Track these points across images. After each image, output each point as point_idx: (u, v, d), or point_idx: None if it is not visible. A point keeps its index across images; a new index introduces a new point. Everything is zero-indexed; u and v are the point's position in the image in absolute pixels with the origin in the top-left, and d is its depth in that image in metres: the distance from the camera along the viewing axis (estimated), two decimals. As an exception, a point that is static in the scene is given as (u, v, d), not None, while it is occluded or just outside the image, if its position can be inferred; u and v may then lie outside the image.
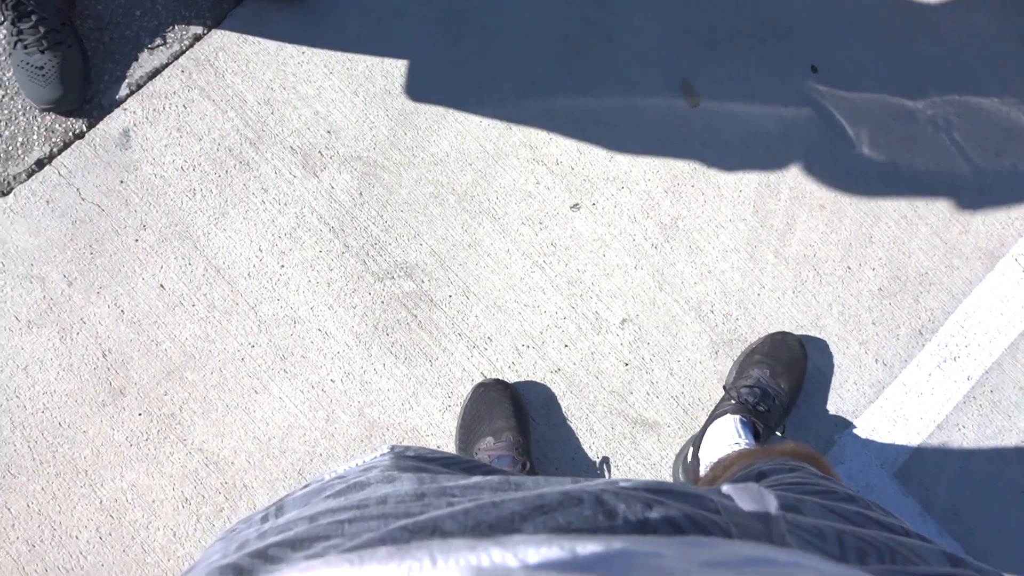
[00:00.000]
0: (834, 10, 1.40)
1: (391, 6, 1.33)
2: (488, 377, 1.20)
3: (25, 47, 1.20)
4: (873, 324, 1.27)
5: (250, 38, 1.30)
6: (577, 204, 1.29)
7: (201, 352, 1.20)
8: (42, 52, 1.20)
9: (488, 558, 0.24)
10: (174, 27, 1.30)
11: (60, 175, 1.24)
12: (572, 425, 1.20)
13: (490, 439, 1.11)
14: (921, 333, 1.27)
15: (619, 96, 1.33)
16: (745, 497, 0.37)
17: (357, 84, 1.30)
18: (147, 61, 1.29)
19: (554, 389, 1.22)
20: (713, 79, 1.35)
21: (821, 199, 1.32)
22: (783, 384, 1.17)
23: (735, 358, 1.24)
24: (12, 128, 1.26)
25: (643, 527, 0.32)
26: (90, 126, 1.27)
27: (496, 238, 1.27)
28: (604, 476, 1.21)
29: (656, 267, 1.28)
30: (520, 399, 1.18)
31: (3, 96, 1.27)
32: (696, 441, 1.14)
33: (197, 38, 1.30)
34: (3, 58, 1.27)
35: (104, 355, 1.19)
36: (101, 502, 1.15)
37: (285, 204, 1.25)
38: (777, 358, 1.19)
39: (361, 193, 1.27)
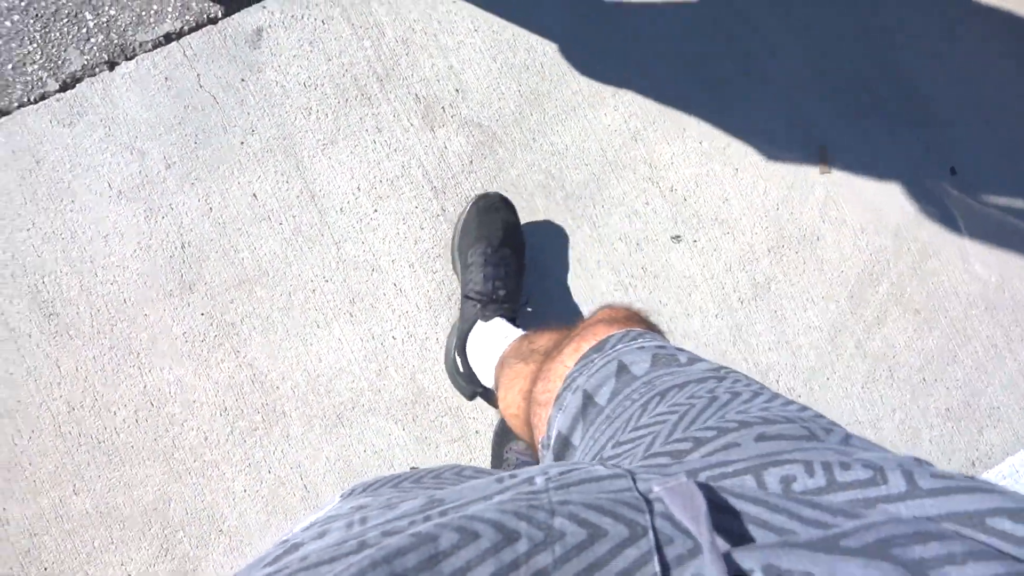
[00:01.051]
0: (979, 106, 1.33)
1: (556, -21, 1.27)
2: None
3: None
4: (930, 442, 1.25)
5: (407, -30, 1.25)
6: (679, 236, 1.26)
7: (275, 271, 1.20)
8: None
9: None
10: (334, -64, 1.25)
11: (184, 55, 1.21)
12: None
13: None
14: (974, 464, 1.25)
15: (752, 139, 1.28)
16: (676, 501, 0.34)
17: (498, 50, 1.26)
18: (299, -36, 1.25)
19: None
20: (847, 148, 1.30)
21: (918, 304, 1.29)
22: (508, 252, 1.15)
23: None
24: (150, -7, 1.23)
25: (544, 542, 0.31)
26: (226, 14, 1.23)
27: (590, 245, 1.25)
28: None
29: (737, 322, 1.26)
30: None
31: (149, -43, 1.23)
32: (457, 348, 1.13)
33: (354, -46, 1.25)
34: (159, -81, 1.23)
35: (183, 247, 1.19)
36: (145, 387, 1.17)
37: (394, 150, 1.23)
38: (491, 227, 1.15)
39: (472, 161, 1.24)
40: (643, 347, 0.62)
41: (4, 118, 1.19)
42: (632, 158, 1.26)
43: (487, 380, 1.08)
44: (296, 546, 0.38)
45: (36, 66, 1.21)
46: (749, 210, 1.28)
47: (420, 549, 0.30)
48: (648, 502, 0.34)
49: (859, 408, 1.26)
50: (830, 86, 1.31)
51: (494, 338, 1.07)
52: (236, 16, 1.23)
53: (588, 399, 0.60)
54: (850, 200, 1.29)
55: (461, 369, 1.14)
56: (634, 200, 1.26)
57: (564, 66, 1.26)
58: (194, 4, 1.23)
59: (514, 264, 1.17)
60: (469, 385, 1.14)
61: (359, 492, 0.47)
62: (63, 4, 1.21)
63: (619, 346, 0.63)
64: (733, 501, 0.34)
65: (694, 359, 0.57)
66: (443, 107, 1.24)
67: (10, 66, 1.20)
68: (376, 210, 1.22)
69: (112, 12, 1.22)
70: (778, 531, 0.32)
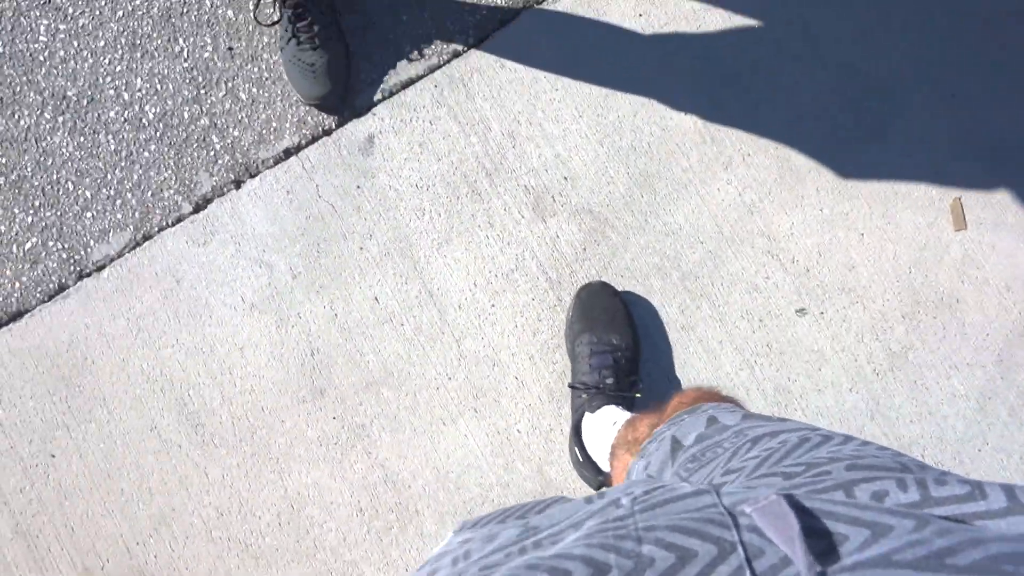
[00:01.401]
0: None
1: (657, 58, 1.26)
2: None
3: (299, 43, 1.22)
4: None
5: (507, 63, 1.27)
6: (804, 309, 1.21)
7: (400, 372, 1.23)
8: (314, 49, 1.22)
9: None
10: (436, 39, 1.29)
11: (304, 168, 1.27)
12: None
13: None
14: None
15: (878, 203, 1.22)
16: (767, 521, 0.32)
17: (604, 134, 1.25)
18: (404, 69, 1.29)
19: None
20: (987, 204, 1.22)
21: (1078, 363, 1.19)
22: (615, 339, 1.12)
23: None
24: (268, 112, 1.30)
25: (634, 571, 0.30)
26: (339, 125, 1.28)
27: (712, 325, 1.21)
28: None
29: (873, 395, 1.19)
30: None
31: (266, 79, 1.30)
32: (575, 440, 1.14)
33: (456, 54, 1.28)
34: (275, 51, 1.30)
35: (312, 353, 1.24)
36: (286, 491, 1.21)
37: (508, 243, 1.24)
38: (593, 316, 1.14)
39: (585, 248, 1.24)
40: (734, 410, 0.63)
41: (147, 242, 1.28)
42: (749, 231, 1.23)
43: (608, 468, 1.07)
44: None
45: (172, 191, 1.29)
46: (879, 276, 1.21)
47: None
48: (733, 516, 0.33)
49: (1018, 478, 1.17)
50: (965, 137, 1.23)
51: (603, 427, 1.06)
52: (349, 126, 1.28)
53: (676, 444, 0.60)
54: (991, 257, 1.21)
55: (580, 459, 1.13)
56: (754, 275, 1.22)
57: (672, 144, 1.25)
58: (309, 118, 1.29)
59: (623, 351, 1.15)
60: (593, 475, 1.13)
61: (468, 527, 0.47)
62: (192, 131, 1.30)
63: (709, 409, 0.64)
64: (821, 507, 0.33)
65: (787, 419, 0.57)
66: (553, 196, 1.25)
67: (150, 193, 1.29)
68: (493, 304, 1.23)
69: (236, 133, 1.29)
70: (870, 526, 0.31)
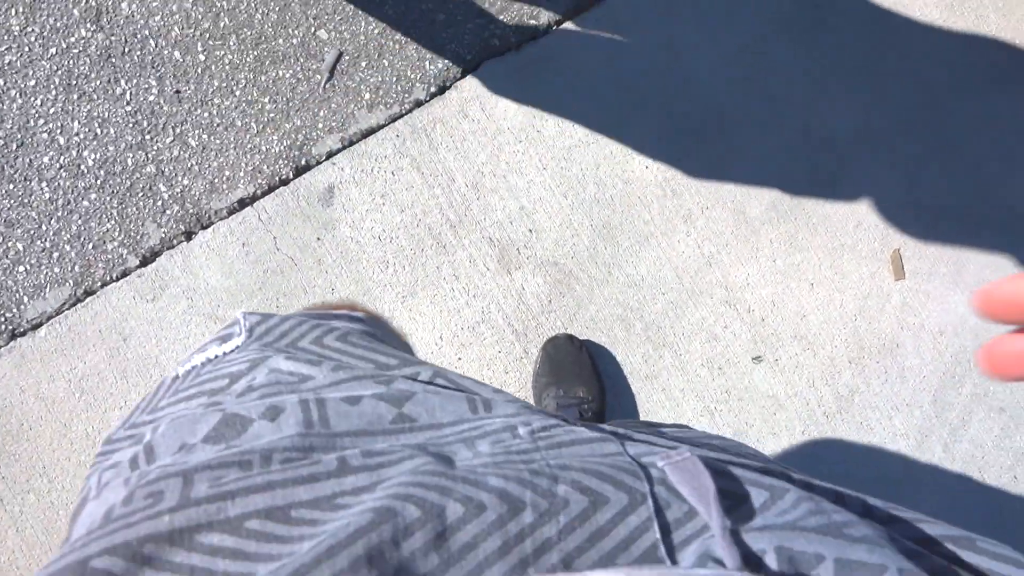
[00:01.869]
0: (1062, 205, 1.34)
1: (621, 112, 1.28)
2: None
3: None
4: (1029, 546, 1.25)
5: (470, 113, 1.26)
6: (760, 356, 1.26)
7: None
8: None
9: None
10: (397, 87, 1.27)
11: (260, 219, 1.23)
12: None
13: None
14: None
15: (827, 254, 1.29)
16: (683, 478, 0.34)
17: (568, 186, 1.26)
18: (364, 118, 1.26)
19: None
20: (923, 255, 1.30)
21: (1002, 402, 1.29)
22: (581, 391, 1.17)
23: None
24: (220, 160, 1.24)
25: (549, 511, 0.31)
26: (297, 174, 1.24)
27: (674, 374, 1.25)
28: None
29: (824, 437, 1.26)
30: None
31: (217, 124, 1.24)
32: None
33: (418, 104, 1.26)
34: (227, 95, 1.24)
35: (274, 412, 1.19)
36: None
37: (473, 296, 1.24)
38: (559, 369, 1.17)
39: (551, 300, 1.24)
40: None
41: (90, 298, 1.20)
42: (708, 283, 1.27)
43: None
44: (242, 419, 0.34)
45: (116, 243, 1.22)
46: (827, 323, 1.28)
47: (427, 527, 0.29)
48: (643, 468, 0.34)
49: (953, 515, 1.26)
50: (913, 198, 1.31)
51: None
52: (307, 175, 1.24)
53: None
54: (926, 304, 1.29)
55: None
56: (713, 324, 1.26)
57: (634, 197, 1.27)
58: (265, 167, 1.24)
59: (589, 403, 1.18)
60: None
61: (281, 335, 0.41)
62: (137, 179, 1.23)
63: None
64: (723, 469, 0.35)
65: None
66: (518, 248, 1.25)
67: (91, 245, 1.22)
68: (460, 358, 1.23)
69: (185, 182, 1.23)
70: (768, 488, 0.34)
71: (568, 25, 1.29)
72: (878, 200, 1.30)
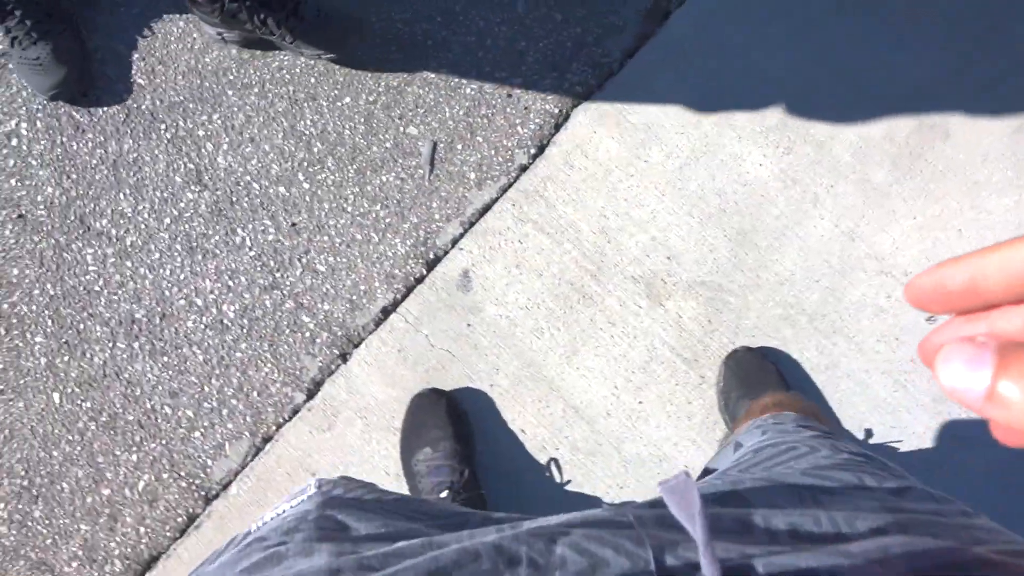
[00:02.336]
0: None
1: (714, 119, 1.28)
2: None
3: (20, 43, 1.22)
4: None
5: (575, 163, 1.27)
6: (932, 316, 1.23)
7: (567, 497, 1.18)
8: (34, 44, 1.22)
9: None
10: (498, 159, 1.28)
11: (407, 322, 1.23)
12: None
13: (427, 449, 1.11)
14: None
15: (962, 196, 1.26)
16: (671, 492, 0.36)
17: (691, 205, 1.26)
18: (476, 197, 1.27)
19: (930, 515, 1.17)
20: (1058, 168, 1.27)
21: None
22: (767, 399, 1.13)
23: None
24: (352, 276, 1.25)
25: (546, 568, 0.31)
26: (429, 269, 1.25)
27: (852, 358, 1.22)
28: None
29: None
30: (457, 406, 1.17)
31: (339, 244, 1.26)
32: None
33: (523, 169, 1.27)
34: (339, 215, 1.26)
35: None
36: None
37: (634, 337, 1.22)
38: (746, 381, 1.14)
39: (710, 320, 1.23)
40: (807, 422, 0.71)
41: (269, 444, 1.21)
42: (857, 258, 1.24)
43: None
44: (278, 557, 0.38)
45: (278, 384, 1.23)
46: (986, 264, 1.24)
47: (419, 565, 0.31)
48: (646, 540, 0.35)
49: None
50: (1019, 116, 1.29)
51: None
52: (439, 267, 1.25)
53: (737, 445, 0.68)
54: (1078, 216, 1.26)
55: None
56: (875, 297, 1.24)
57: (757, 196, 1.26)
58: (397, 271, 1.25)
59: (786, 404, 1.15)
60: None
61: (339, 495, 0.46)
62: (280, 318, 1.24)
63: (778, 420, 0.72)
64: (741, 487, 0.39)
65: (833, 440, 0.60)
66: (662, 279, 1.24)
67: (255, 393, 1.23)
68: (640, 401, 1.21)
69: (326, 307, 1.25)
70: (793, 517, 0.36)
71: (640, 54, 1.30)
72: (997, 128, 1.28)
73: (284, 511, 0.46)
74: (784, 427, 0.67)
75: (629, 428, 1.20)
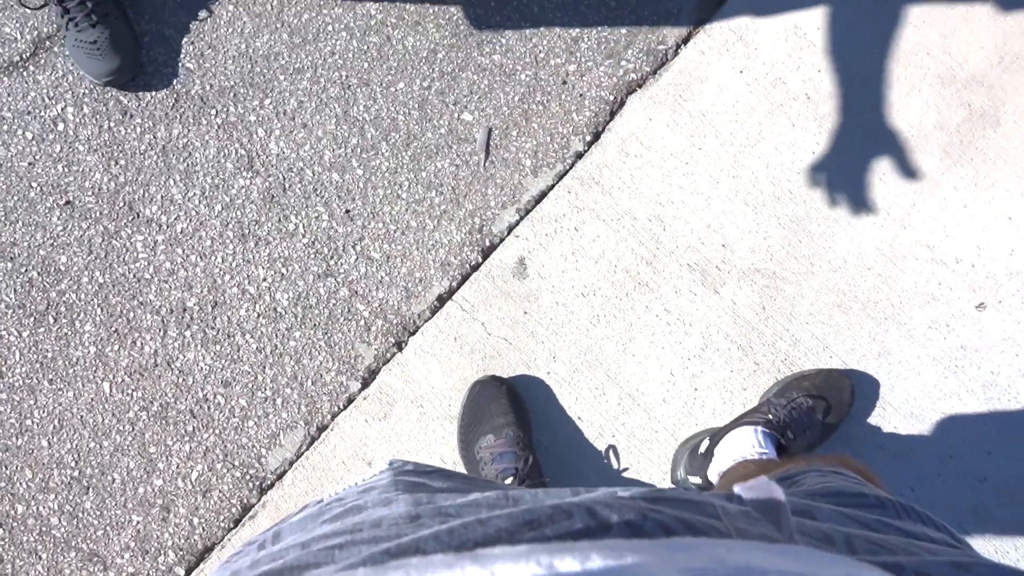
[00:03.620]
0: None
1: (767, 107, 1.28)
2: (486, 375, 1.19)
3: (76, 25, 1.21)
4: None
5: (631, 150, 1.27)
6: (983, 303, 1.24)
7: (624, 484, 1.19)
8: (92, 27, 1.21)
9: (462, 574, 0.24)
10: (553, 146, 1.27)
11: (463, 310, 1.23)
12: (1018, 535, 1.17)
13: (490, 436, 1.10)
14: None
15: (1013, 183, 1.27)
16: (753, 492, 0.37)
17: (745, 192, 1.26)
18: (532, 184, 1.26)
19: (982, 499, 1.19)
20: (1103, 157, 1.29)
21: None
22: (820, 420, 1.13)
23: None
24: (407, 264, 1.25)
25: (634, 535, 0.31)
26: (484, 256, 1.25)
27: (904, 345, 1.23)
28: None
29: (1070, 363, 1.23)
30: (518, 393, 1.17)
31: (394, 231, 1.25)
32: (716, 436, 1.10)
33: (579, 155, 1.27)
34: (394, 202, 1.25)
35: (536, 493, 1.18)
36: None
37: (690, 324, 1.23)
38: (825, 394, 1.15)
39: (764, 307, 1.23)
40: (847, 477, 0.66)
41: (324, 433, 1.20)
42: (908, 245, 1.25)
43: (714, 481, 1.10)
44: (358, 508, 0.39)
45: (333, 373, 1.22)
46: (1035, 252, 1.26)
47: (515, 514, 0.32)
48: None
49: None
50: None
51: (739, 447, 1.07)
52: (495, 255, 1.24)
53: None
54: (1124, 205, 1.28)
55: (703, 452, 1.13)
56: (926, 285, 1.25)
57: (811, 182, 1.27)
58: (452, 259, 1.25)
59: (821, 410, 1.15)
60: (700, 470, 1.11)
61: (411, 472, 0.47)
62: (334, 306, 1.23)
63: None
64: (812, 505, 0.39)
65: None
66: (717, 266, 1.24)
67: (310, 382, 1.22)
68: (696, 388, 1.21)
69: (380, 295, 1.24)
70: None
71: (695, 40, 1.30)
72: (1047, 118, 1.29)
73: (357, 483, 0.47)
74: (849, 477, 0.63)
75: (686, 414, 1.21)
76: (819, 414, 1.14)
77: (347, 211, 1.26)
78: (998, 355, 1.23)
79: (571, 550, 0.24)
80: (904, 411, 1.21)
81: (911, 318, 1.24)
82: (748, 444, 1.06)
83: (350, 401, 1.21)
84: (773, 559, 0.27)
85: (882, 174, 1.27)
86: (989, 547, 1.16)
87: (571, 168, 1.26)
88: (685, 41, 1.30)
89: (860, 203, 1.26)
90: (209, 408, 1.22)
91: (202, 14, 1.29)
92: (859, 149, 1.28)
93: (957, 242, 1.26)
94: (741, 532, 0.34)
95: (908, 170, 1.28)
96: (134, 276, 1.24)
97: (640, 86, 1.29)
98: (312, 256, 1.25)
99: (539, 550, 0.24)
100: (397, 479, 0.45)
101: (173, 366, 1.23)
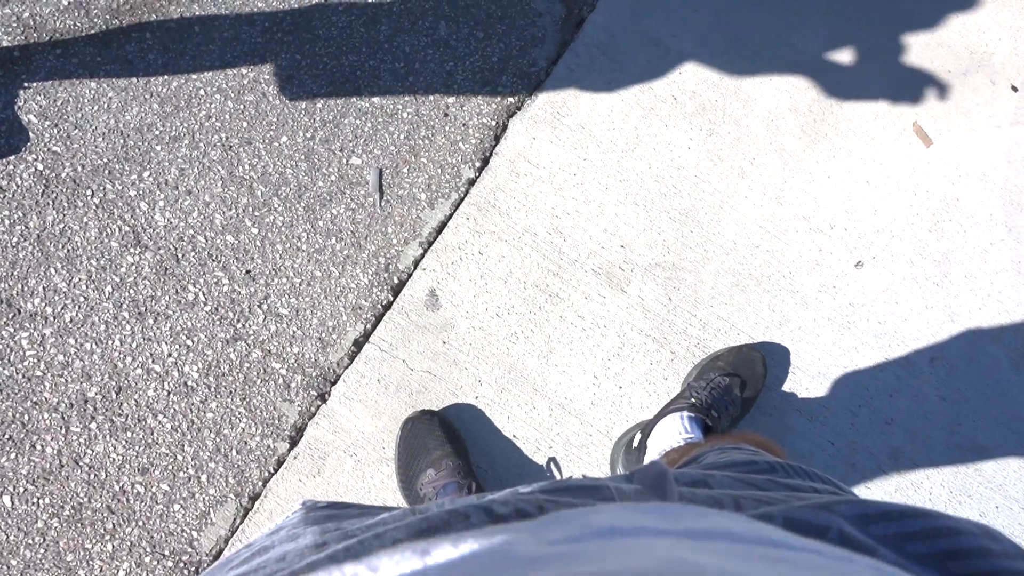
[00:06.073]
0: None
1: (640, 112, 1.36)
2: (417, 410, 1.19)
3: None
4: None
5: (521, 171, 1.31)
6: (860, 262, 1.35)
7: (572, 491, 1.20)
8: None
9: (340, 572, 0.24)
10: (445, 176, 1.30)
11: (382, 351, 1.22)
12: (913, 472, 1.27)
13: (430, 471, 1.09)
14: None
15: (864, 151, 1.40)
16: (647, 475, 0.38)
17: (634, 193, 1.33)
18: (430, 216, 1.28)
19: (893, 440, 1.28)
20: (937, 116, 1.44)
21: (1056, 205, 1.43)
22: (739, 396, 1.20)
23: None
24: (319, 314, 1.23)
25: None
26: (395, 294, 1.25)
27: (800, 311, 1.32)
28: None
29: (943, 303, 1.36)
30: (451, 423, 1.17)
31: (299, 284, 1.23)
32: (646, 429, 1.15)
33: (471, 182, 1.30)
34: (295, 255, 1.24)
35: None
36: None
37: (604, 326, 1.27)
38: (739, 371, 1.21)
39: (670, 298, 1.30)
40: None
41: (258, 502, 1.15)
42: (786, 219, 1.35)
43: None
44: (265, 549, 0.39)
45: (257, 437, 1.18)
46: (895, 208, 1.39)
47: (411, 523, 0.32)
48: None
49: None
50: (905, 74, 1.45)
51: (670, 433, 1.12)
52: (405, 291, 1.25)
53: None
54: (960, 154, 1.43)
55: (636, 445, 1.17)
56: (809, 252, 1.35)
57: (692, 177, 1.35)
58: (363, 301, 1.24)
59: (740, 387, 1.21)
60: (636, 461, 1.16)
61: (323, 508, 0.46)
62: (248, 369, 1.20)
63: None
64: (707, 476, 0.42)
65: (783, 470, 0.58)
66: (619, 267, 1.30)
67: (234, 451, 1.17)
68: (620, 386, 1.25)
69: (295, 350, 1.21)
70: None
71: (564, 60, 1.37)
72: (879, 89, 1.44)
73: (268, 529, 0.46)
74: (746, 449, 0.66)
75: (615, 414, 1.24)
76: (737, 390, 1.19)
77: (247, 271, 1.23)
78: (881, 305, 1.34)
79: (448, 538, 0.24)
80: (811, 372, 1.29)
81: (802, 285, 1.33)
82: (675, 432, 1.10)
83: (280, 463, 1.17)
84: (638, 518, 0.28)
85: (752, 158, 1.37)
86: (907, 482, 1.25)
87: (466, 195, 1.29)
88: (555, 62, 1.37)
89: (738, 188, 1.36)
90: (128, 500, 1.15)
91: (61, 95, 1.25)
92: (729, 139, 1.38)
93: (828, 210, 1.37)
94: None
95: (773, 151, 1.38)
96: (23, 376, 1.16)
97: (519, 108, 1.34)
98: (217, 323, 1.21)
99: (420, 543, 0.24)
100: (308, 515, 0.43)
101: (81, 463, 1.15)
